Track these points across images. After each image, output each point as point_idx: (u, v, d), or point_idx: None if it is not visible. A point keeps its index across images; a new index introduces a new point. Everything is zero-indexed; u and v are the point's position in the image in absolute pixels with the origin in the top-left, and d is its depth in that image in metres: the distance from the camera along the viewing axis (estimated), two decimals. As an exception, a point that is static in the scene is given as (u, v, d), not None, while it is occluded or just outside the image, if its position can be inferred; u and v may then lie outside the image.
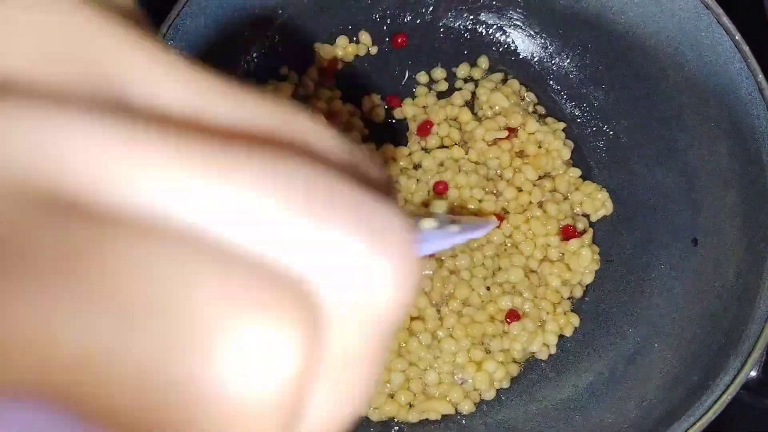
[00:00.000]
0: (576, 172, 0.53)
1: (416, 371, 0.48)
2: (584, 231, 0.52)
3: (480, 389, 0.49)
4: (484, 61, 0.55)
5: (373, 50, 0.54)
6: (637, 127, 0.53)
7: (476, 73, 0.55)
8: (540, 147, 0.53)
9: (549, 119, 0.54)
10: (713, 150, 0.49)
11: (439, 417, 0.48)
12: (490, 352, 0.49)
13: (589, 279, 0.52)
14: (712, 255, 0.48)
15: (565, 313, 0.50)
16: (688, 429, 0.40)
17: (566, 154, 0.53)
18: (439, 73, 0.55)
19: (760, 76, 0.45)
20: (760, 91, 0.45)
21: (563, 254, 0.51)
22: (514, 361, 0.50)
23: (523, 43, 0.55)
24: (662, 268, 0.50)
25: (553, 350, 0.50)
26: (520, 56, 0.55)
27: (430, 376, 0.48)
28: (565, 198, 0.53)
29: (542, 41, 0.55)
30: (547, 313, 0.50)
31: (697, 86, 0.49)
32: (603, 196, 0.53)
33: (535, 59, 0.55)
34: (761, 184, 0.45)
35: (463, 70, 0.55)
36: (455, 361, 0.48)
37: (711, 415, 0.40)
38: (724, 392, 0.41)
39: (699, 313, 0.47)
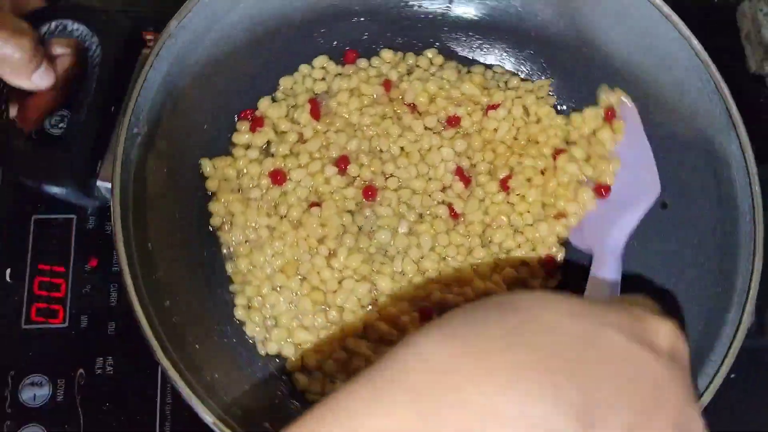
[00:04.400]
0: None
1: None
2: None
3: None
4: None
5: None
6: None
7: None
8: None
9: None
10: (674, 131, 0.51)
11: None
12: None
13: None
14: (682, 216, 0.51)
15: None
16: (708, 383, 0.42)
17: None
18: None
19: (722, 84, 0.47)
20: (714, 82, 0.47)
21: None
22: None
23: (491, 60, 0.58)
24: (635, 234, 0.52)
25: None
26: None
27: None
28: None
29: (510, 59, 0.57)
30: None
31: (661, 96, 0.51)
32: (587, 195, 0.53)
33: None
34: (722, 152, 0.48)
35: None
36: None
37: (726, 366, 0.42)
38: (731, 344, 0.43)
39: (682, 272, 0.50)
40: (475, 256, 0.52)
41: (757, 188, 0.45)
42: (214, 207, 0.51)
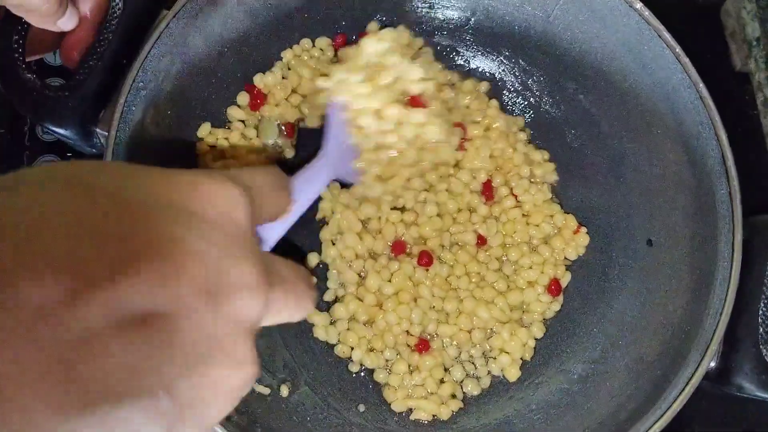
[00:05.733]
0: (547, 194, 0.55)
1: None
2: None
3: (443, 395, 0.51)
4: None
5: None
6: (589, 137, 0.56)
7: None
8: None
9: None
10: (662, 157, 0.51)
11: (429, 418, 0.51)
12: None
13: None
14: (666, 254, 0.51)
15: (524, 346, 0.53)
16: (656, 421, 0.43)
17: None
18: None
19: (701, 85, 0.48)
20: (701, 99, 0.48)
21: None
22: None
23: (476, 61, 0.58)
24: (620, 268, 0.53)
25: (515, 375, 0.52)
26: (474, 74, 0.58)
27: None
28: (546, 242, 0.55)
29: (494, 59, 0.58)
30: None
31: (642, 97, 0.52)
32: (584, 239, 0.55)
33: (488, 76, 0.58)
34: (707, 186, 0.48)
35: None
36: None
37: (677, 407, 0.43)
38: (687, 384, 0.43)
39: (659, 309, 0.50)
40: (487, 280, 0.53)
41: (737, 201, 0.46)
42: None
